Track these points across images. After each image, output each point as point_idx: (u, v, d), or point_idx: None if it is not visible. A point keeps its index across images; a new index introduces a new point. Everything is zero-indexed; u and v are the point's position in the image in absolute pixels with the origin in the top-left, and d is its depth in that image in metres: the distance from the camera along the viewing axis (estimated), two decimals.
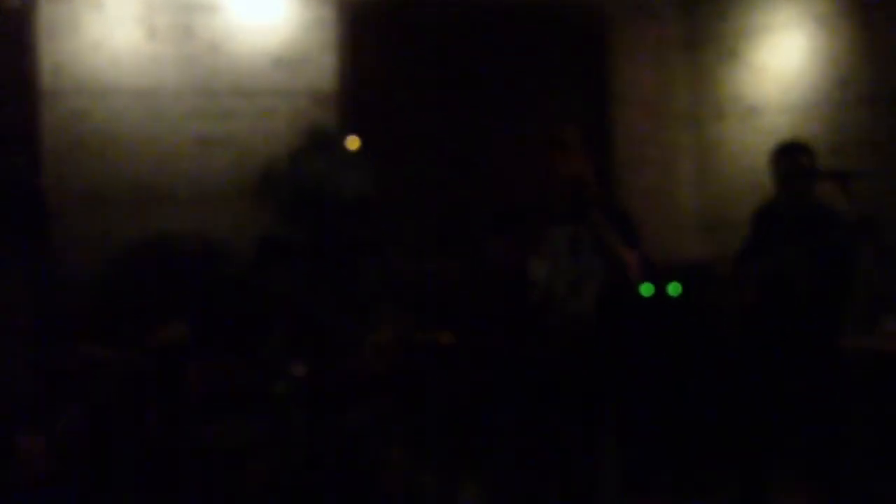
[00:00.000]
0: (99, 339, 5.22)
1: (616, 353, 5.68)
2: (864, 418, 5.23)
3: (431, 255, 6.53)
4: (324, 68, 7.09)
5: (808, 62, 6.73)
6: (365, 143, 6.79)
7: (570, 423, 3.95)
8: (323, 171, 6.55)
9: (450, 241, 6.41)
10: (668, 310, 6.04)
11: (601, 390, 4.02)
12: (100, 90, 6.70)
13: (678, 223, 7.78)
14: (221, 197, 6.80)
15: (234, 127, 6.91)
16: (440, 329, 5.37)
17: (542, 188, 4.10)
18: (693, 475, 5.87)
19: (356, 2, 7.15)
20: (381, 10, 7.22)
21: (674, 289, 6.03)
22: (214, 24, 6.92)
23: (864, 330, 5.56)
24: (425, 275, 5.74)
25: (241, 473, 4.78)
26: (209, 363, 5.05)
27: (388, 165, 6.89)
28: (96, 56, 6.69)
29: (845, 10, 6.45)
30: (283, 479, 4.81)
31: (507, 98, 7.40)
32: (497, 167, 7.13)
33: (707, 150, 7.69)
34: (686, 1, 7.85)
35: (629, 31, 7.81)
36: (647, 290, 6.05)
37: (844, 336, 5.14)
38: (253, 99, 6.95)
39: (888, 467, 5.20)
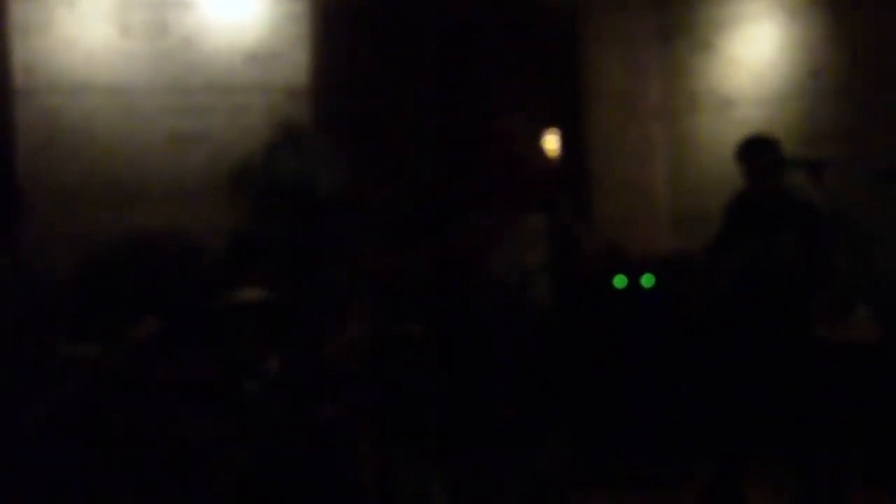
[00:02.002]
0: (72, 335, 5.20)
1: (588, 342, 5.73)
2: (838, 407, 5.24)
3: (404, 248, 6.53)
4: (297, 64, 7.08)
5: (780, 53, 6.76)
6: (338, 139, 6.79)
7: (525, 414, 3.96)
8: (297, 167, 6.55)
9: (422, 233, 6.41)
10: (641, 301, 6.06)
11: (555, 381, 4.03)
12: (73, 88, 6.69)
13: (652, 215, 7.80)
14: (196, 193, 6.79)
15: (209, 123, 6.90)
16: (412, 322, 5.37)
17: (509, 179, 4.12)
18: (667, 465, 5.90)
19: None
20: (353, 5, 7.22)
21: (647, 280, 6.05)
22: (188, 21, 6.91)
23: (837, 320, 5.59)
24: (398, 268, 5.73)
25: (213, 468, 4.77)
26: (182, 358, 5.04)
27: (361, 160, 6.89)
28: (69, 53, 6.68)
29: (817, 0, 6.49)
30: (256, 473, 4.80)
31: (479, 92, 7.41)
32: (470, 160, 7.13)
33: (681, 143, 7.70)
34: None
35: (602, 23, 7.82)
36: (620, 281, 6.07)
37: (818, 326, 5.16)
38: (227, 95, 6.93)
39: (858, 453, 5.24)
